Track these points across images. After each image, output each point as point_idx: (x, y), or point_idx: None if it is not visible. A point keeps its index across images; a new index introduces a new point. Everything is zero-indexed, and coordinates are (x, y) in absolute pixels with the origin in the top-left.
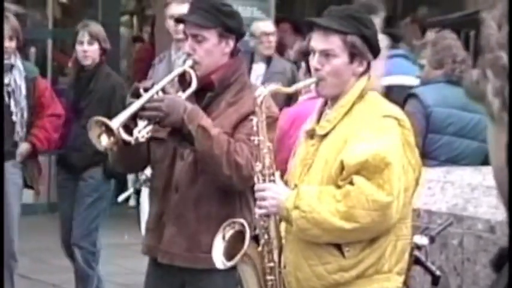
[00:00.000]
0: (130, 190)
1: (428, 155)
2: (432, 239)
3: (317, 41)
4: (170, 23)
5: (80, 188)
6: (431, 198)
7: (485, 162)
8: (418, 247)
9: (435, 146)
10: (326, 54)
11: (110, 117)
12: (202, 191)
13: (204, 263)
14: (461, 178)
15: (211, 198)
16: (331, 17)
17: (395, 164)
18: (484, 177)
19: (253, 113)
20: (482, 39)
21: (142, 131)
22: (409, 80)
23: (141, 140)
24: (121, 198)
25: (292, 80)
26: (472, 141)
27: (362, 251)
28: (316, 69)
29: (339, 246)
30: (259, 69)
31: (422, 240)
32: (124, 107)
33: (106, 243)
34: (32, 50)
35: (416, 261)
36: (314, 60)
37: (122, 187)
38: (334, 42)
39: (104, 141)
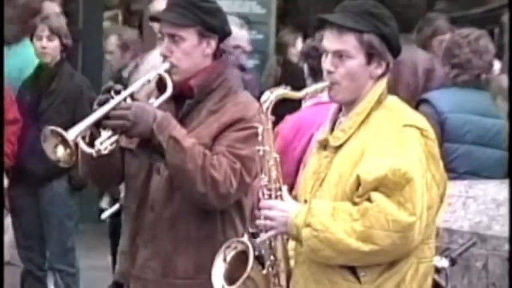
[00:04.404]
0: (116, 206)
1: (446, 167)
2: (453, 261)
3: (330, 41)
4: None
5: (42, 205)
6: (451, 215)
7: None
8: (438, 270)
9: (452, 156)
10: (340, 55)
11: (76, 121)
12: (179, 210)
13: None
14: (485, 193)
15: (189, 217)
16: (345, 13)
17: (418, 180)
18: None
19: (237, 121)
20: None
21: (105, 143)
22: None
23: (104, 152)
24: (105, 215)
25: None
26: (494, 150)
27: (380, 276)
28: (329, 72)
29: (353, 270)
30: None
31: (442, 262)
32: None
33: (87, 265)
34: None
35: (435, 286)
36: (327, 62)
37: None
38: (349, 42)
39: (60, 152)
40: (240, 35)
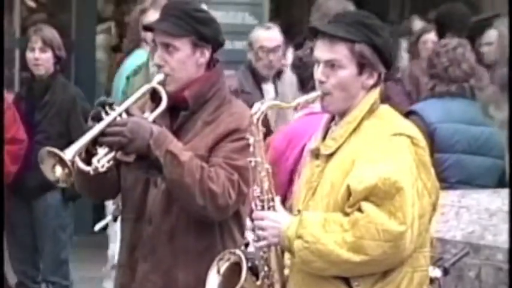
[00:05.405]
0: (109, 218)
1: (437, 177)
2: (446, 271)
3: (321, 50)
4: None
5: (35, 217)
6: (444, 225)
7: (502, 181)
8: (431, 280)
9: (443, 166)
10: (331, 64)
11: (69, 131)
12: (177, 222)
13: None
14: (478, 202)
15: (187, 230)
16: (337, 23)
17: (408, 189)
18: (503, 201)
19: (232, 132)
20: (497, 52)
21: (103, 160)
22: None
23: (101, 170)
24: (98, 226)
25: None
26: (485, 158)
27: (373, 286)
28: (321, 82)
29: (347, 281)
30: (269, 90)
31: (435, 272)
32: (86, 119)
33: (81, 276)
34: None
35: None
36: (318, 72)
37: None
38: (341, 52)
39: (58, 172)
40: (262, 36)
